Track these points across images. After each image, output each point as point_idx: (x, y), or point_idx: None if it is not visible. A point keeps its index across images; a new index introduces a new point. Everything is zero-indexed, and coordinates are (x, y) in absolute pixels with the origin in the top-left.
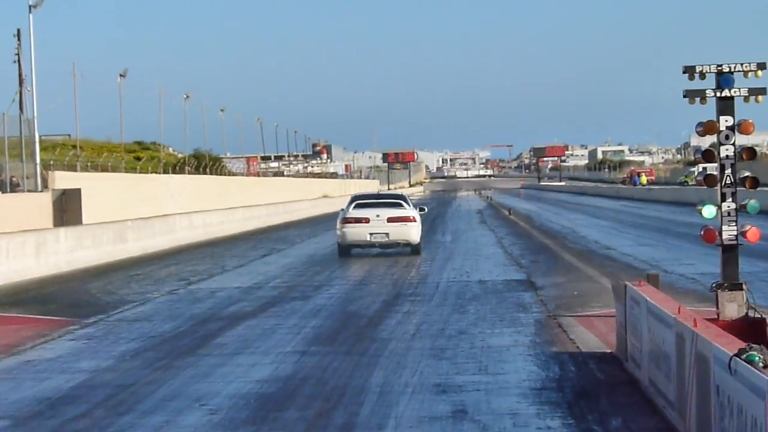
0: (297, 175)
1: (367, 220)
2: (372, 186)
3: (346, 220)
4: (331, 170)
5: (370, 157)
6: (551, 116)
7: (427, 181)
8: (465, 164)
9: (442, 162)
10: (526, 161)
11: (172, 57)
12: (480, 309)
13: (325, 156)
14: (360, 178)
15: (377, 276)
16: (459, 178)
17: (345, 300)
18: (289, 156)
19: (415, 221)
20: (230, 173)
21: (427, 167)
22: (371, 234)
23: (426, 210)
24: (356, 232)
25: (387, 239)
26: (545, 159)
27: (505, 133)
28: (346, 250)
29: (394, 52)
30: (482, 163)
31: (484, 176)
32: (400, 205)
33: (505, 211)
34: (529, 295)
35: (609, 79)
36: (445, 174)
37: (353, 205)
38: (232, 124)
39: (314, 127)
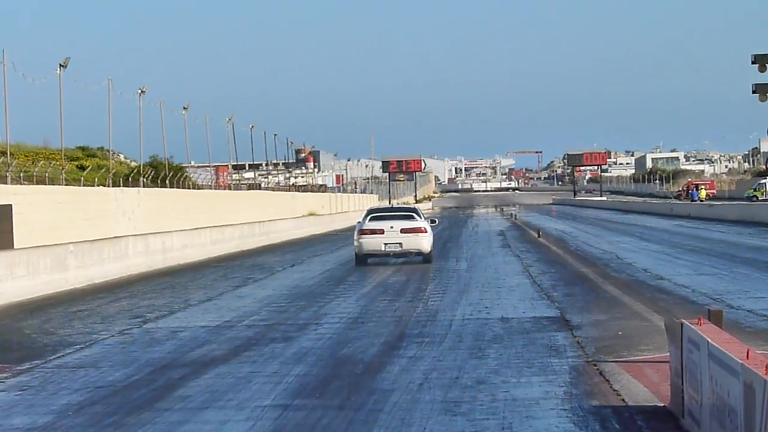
0: (277, 187)
1: (381, 231)
2: (370, 202)
3: (363, 232)
4: (319, 182)
5: (366, 166)
6: (589, 116)
7: (437, 195)
8: (483, 174)
9: (456, 172)
10: (559, 171)
11: (125, 46)
12: (503, 353)
13: (311, 164)
14: (354, 191)
15: (376, 312)
16: (476, 191)
17: (337, 342)
18: (267, 165)
19: (426, 232)
20: (195, 186)
21: (436, 178)
22: (386, 244)
23: (437, 222)
24: (372, 243)
25: (400, 249)
26: (582, 168)
27: (532, 137)
28: (363, 259)
29: (394, 41)
30: (505, 174)
31: (507, 189)
32: (412, 218)
33: (533, 233)
34: (562, 336)
35: (659, 73)
36: (459, 186)
37: (369, 217)
38: (198, 126)
39: (298, 130)
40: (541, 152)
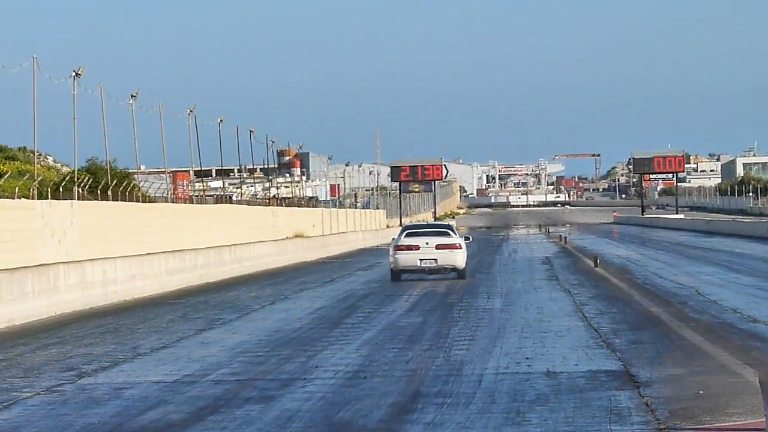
0: (254, 201)
1: (417, 247)
2: (374, 220)
3: (399, 248)
4: (309, 193)
5: (370, 173)
6: (662, 110)
7: (462, 211)
8: (524, 184)
9: (487, 181)
10: (622, 180)
11: (55, 19)
12: (548, 418)
13: (298, 170)
14: (354, 205)
15: (383, 363)
16: (514, 206)
17: (331, 403)
18: (240, 171)
19: (461, 248)
20: (147, 198)
21: (462, 189)
22: (421, 260)
23: (471, 239)
24: (408, 258)
25: (435, 264)
26: (653, 177)
27: (587, 136)
28: (398, 275)
29: (405, 16)
30: (551, 184)
31: (554, 204)
32: (447, 234)
33: (588, 261)
34: (626, 396)
35: (754, 57)
36: (492, 200)
37: (404, 234)
38: (151, 120)
39: (282, 129)
40: (599, 155)
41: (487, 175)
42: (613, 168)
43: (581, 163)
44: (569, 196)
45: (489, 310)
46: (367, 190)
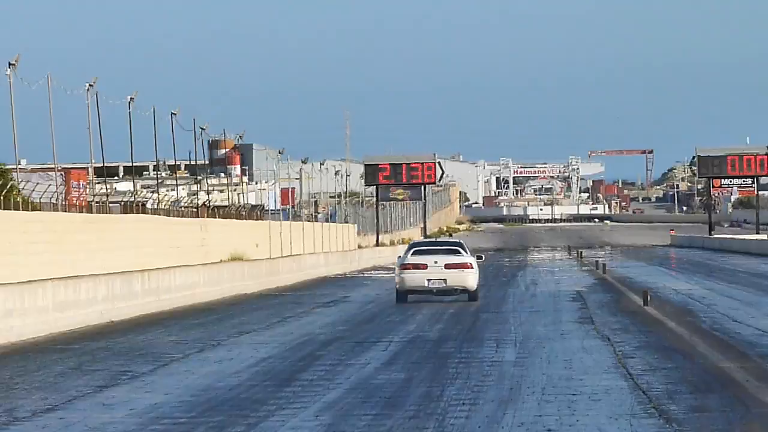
0: (176, 209)
1: (425, 266)
2: (342, 239)
3: (405, 266)
4: (252, 200)
5: (337, 172)
6: (737, 93)
7: (463, 226)
8: (548, 191)
9: (499, 186)
10: (683, 185)
11: None
12: None
13: (237, 169)
14: (314, 217)
15: None
16: (534, 221)
17: None
18: (158, 168)
19: (472, 268)
20: (29, 204)
21: (463, 196)
22: (429, 280)
23: (483, 258)
24: (415, 278)
25: (444, 285)
26: (725, 182)
27: (635, 127)
28: (404, 297)
29: None
30: (586, 190)
31: (589, 218)
32: (457, 252)
33: (635, 297)
34: None
35: None
36: (504, 212)
37: (411, 251)
38: (33, 96)
39: (218, 114)
40: (651, 153)
41: (498, 178)
42: (670, 170)
43: (627, 162)
44: (610, 207)
45: (498, 364)
46: (332, 197)
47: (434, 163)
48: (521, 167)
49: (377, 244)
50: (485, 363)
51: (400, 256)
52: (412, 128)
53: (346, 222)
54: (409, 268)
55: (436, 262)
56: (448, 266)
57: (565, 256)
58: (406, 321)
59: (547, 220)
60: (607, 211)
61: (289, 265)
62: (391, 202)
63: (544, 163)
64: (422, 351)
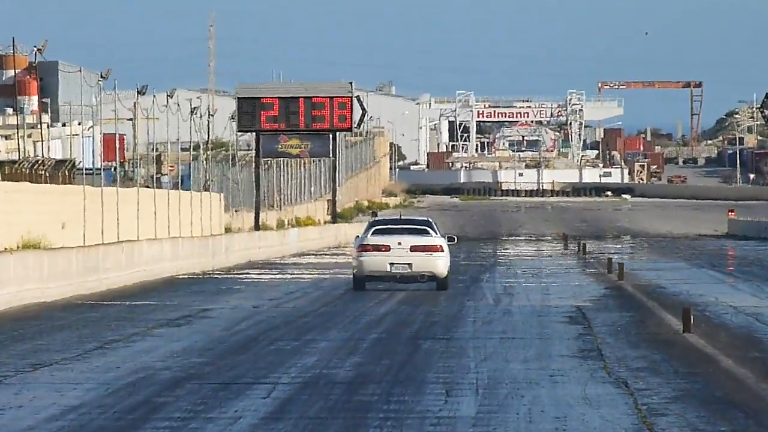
0: None
1: (387, 248)
2: (205, 214)
3: (364, 248)
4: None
5: (194, 109)
6: None
7: (395, 198)
8: (532, 144)
9: (451, 135)
10: (747, 138)
11: None
12: None
13: (35, 101)
14: (158, 181)
15: None
16: (507, 192)
17: None
18: None
19: (442, 251)
20: None
21: (396, 151)
22: (392, 264)
23: (456, 240)
24: (375, 262)
25: (410, 271)
26: None
27: (672, 49)
28: (362, 283)
29: None
30: (593, 145)
31: (599, 190)
32: (425, 232)
33: (668, 317)
34: None
35: None
36: (463, 179)
37: (372, 230)
38: None
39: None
40: (700, 86)
41: (453, 123)
42: (730, 115)
43: (660, 102)
44: (632, 173)
45: (448, 422)
46: (185, 150)
47: (350, 97)
48: (490, 106)
49: (257, 227)
50: (427, 420)
51: (358, 236)
52: (317, 47)
53: (207, 190)
54: (369, 250)
55: (400, 244)
56: (414, 248)
57: (559, 251)
58: (304, 349)
59: (530, 192)
60: (626, 179)
61: (116, 257)
62: (281, 159)
63: (527, 101)
64: (327, 399)
